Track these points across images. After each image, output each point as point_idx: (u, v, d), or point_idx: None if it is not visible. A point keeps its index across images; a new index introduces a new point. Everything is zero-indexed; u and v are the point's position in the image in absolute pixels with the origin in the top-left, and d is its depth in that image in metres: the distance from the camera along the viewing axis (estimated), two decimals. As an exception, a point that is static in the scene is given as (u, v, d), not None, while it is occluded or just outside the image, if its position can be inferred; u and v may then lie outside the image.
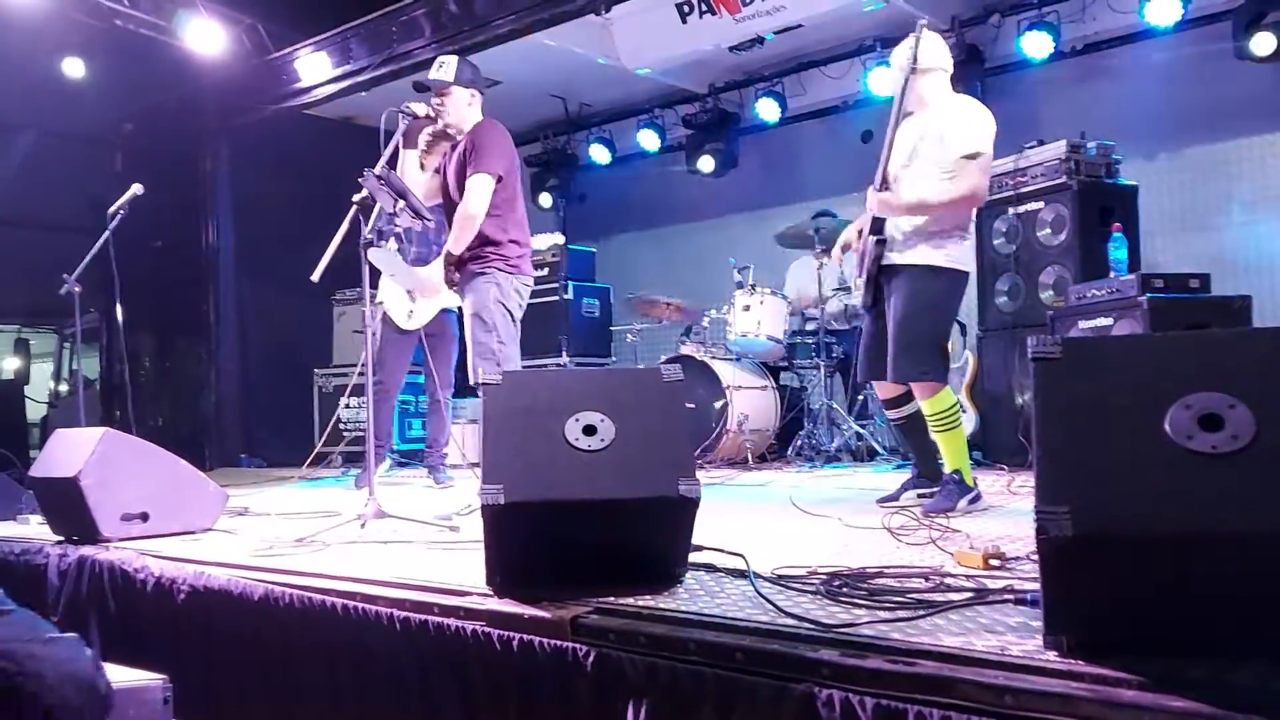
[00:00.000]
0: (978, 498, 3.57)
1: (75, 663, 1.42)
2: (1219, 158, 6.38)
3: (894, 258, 3.61)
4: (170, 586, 3.04)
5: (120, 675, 1.96)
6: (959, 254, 3.62)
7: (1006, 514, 3.54)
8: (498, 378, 2.43)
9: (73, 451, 3.62)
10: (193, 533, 3.71)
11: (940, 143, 3.54)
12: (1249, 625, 1.54)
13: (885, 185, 3.62)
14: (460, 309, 4.80)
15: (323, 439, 6.83)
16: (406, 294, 5.40)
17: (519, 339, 4.28)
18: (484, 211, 4.09)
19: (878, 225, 3.59)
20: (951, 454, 3.60)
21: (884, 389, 3.83)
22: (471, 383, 4.08)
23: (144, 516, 3.61)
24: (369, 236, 3.66)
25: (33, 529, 4.03)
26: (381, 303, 5.38)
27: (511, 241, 4.20)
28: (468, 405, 6.97)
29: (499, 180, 4.12)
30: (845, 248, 3.92)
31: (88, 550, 3.43)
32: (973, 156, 3.48)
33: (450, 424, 5.73)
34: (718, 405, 6.10)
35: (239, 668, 2.86)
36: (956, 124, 3.53)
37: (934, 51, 3.66)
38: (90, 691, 1.46)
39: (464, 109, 4.23)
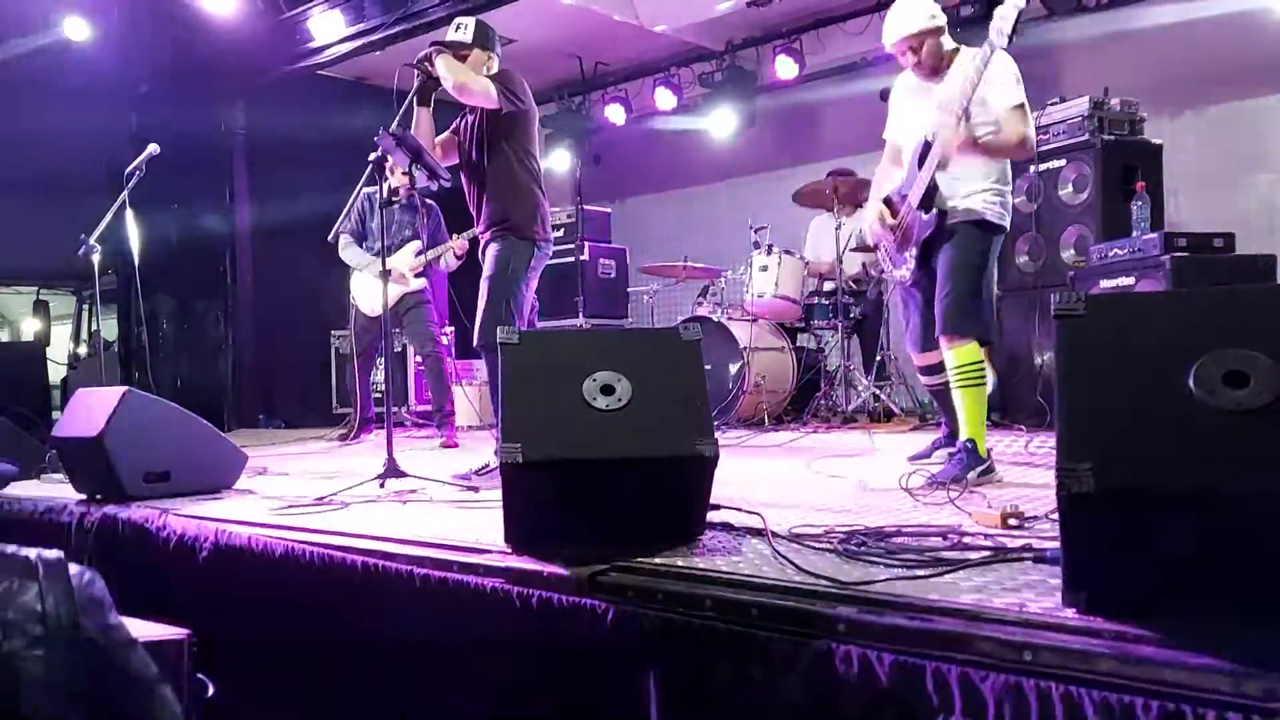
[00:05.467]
0: (989, 469, 3.41)
1: None
2: (1245, 115, 6.28)
3: (948, 212, 3.50)
4: (193, 544, 3.07)
5: (144, 630, 1.98)
6: (1007, 210, 3.57)
7: (1024, 474, 3.53)
8: (515, 338, 2.43)
9: (95, 411, 3.64)
10: (214, 491, 3.75)
11: (982, 105, 3.44)
12: (1270, 582, 1.53)
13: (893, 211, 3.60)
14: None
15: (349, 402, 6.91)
16: (376, 282, 5.65)
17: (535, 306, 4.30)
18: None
19: (928, 199, 3.50)
20: (971, 415, 3.48)
21: (929, 356, 3.72)
22: (475, 345, 4.05)
23: (166, 475, 3.63)
24: (385, 196, 3.65)
25: (55, 488, 4.07)
26: (355, 300, 5.96)
27: (528, 208, 4.15)
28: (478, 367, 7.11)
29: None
30: (880, 220, 3.74)
31: (111, 508, 3.47)
32: (1019, 107, 3.43)
33: (450, 385, 6.00)
34: (734, 367, 6.09)
35: (261, 624, 2.89)
36: (992, 84, 3.43)
37: (927, 9, 3.52)
38: None
39: (482, 72, 4.17)
